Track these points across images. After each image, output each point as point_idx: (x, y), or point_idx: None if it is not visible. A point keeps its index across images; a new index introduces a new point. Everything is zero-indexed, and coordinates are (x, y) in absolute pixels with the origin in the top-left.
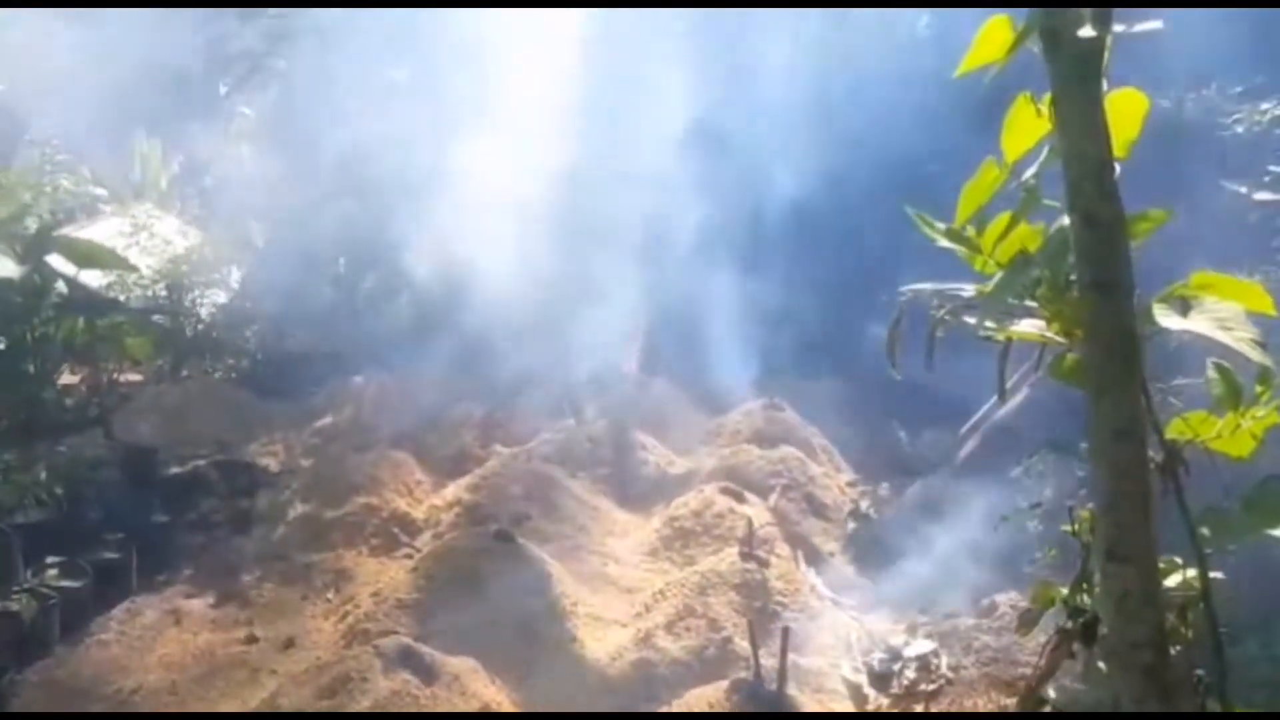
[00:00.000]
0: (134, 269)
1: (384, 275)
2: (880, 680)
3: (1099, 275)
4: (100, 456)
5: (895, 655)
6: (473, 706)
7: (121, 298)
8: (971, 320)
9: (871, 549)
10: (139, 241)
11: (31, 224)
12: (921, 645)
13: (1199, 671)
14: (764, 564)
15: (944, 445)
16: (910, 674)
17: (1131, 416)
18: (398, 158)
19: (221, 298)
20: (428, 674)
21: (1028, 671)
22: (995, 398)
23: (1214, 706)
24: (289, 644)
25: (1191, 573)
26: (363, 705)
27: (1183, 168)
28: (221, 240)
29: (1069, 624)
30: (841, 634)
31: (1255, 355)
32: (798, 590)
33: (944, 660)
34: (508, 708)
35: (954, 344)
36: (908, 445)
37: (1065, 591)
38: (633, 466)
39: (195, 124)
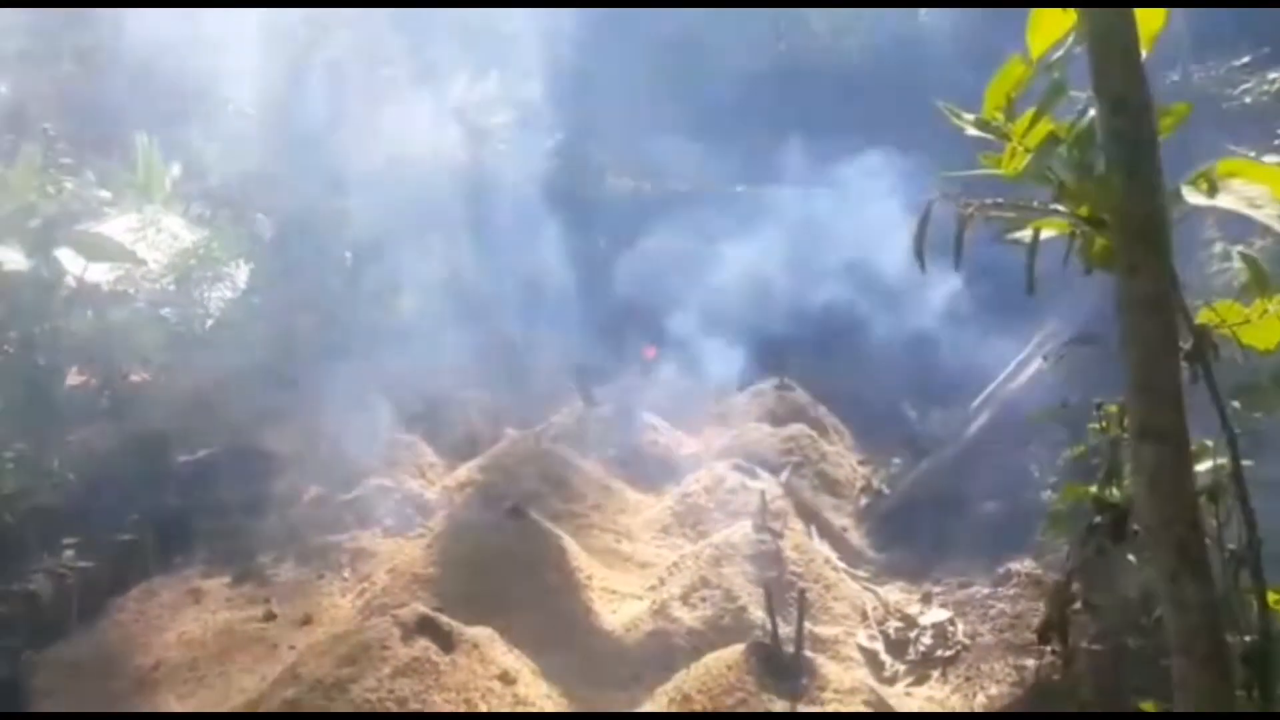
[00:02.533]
0: (142, 263)
1: (391, 266)
2: (897, 647)
3: (1127, 156)
4: (113, 445)
5: (911, 623)
6: (492, 673)
7: (130, 291)
8: (998, 215)
9: (884, 523)
10: (146, 236)
11: (37, 222)
12: (937, 614)
13: (1231, 548)
14: (777, 536)
15: (953, 422)
16: (926, 641)
17: (1161, 293)
18: (399, 150)
19: (229, 292)
20: (446, 641)
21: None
22: (1003, 375)
23: (1246, 582)
24: (307, 620)
25: (1222, 459)
26: (383, 673)
27: (1190, 138)
28: (229, 235)
29: (1098, 519)
30: (857, 604)
31: None
32: (811, 561)
33: (960, 627)
34: (527, 675)
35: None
36: (917, 423)
37: (1094, 490)
38: (643, 447)
39: (197, 124)
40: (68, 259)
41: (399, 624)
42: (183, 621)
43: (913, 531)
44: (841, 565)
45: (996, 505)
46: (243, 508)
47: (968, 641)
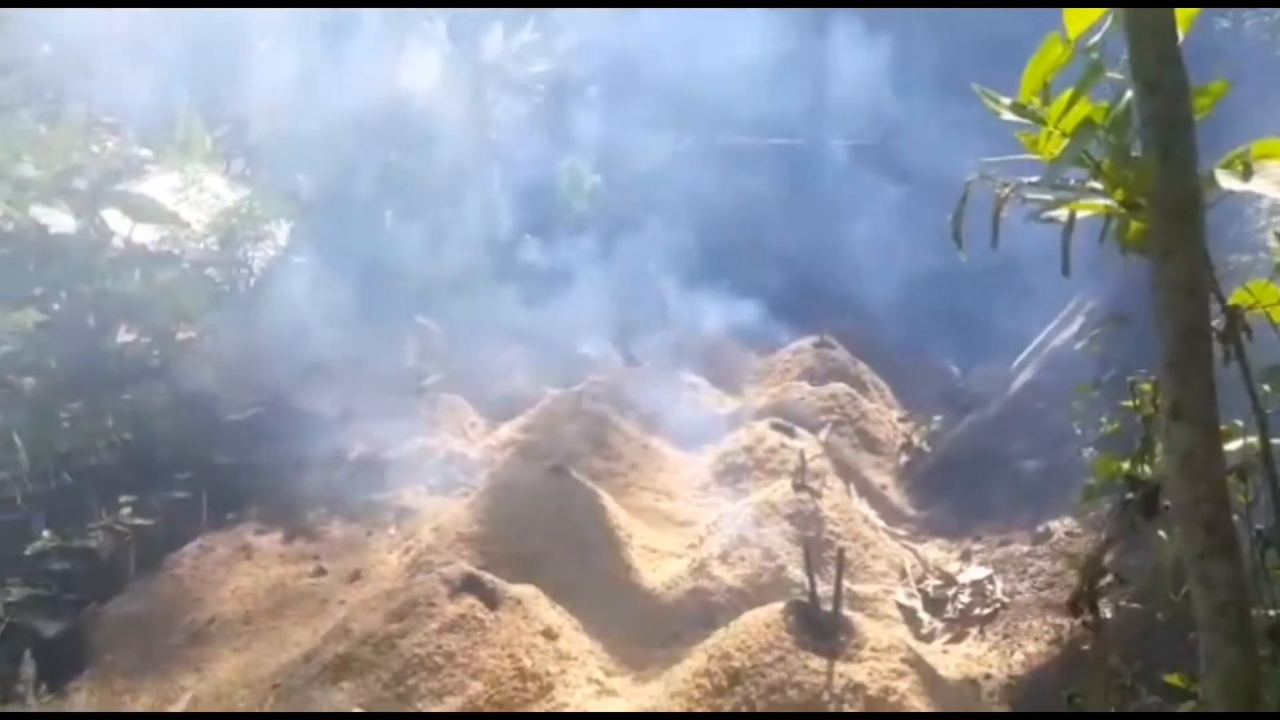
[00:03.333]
0: (185, 225)
1: (430, 224)
2: (935, 605)
3: (1162, 140)
4: (163, 403)
5: (949, 581)
6: (535, 630)
7: (175, 251)
8: (1034, 196)
9: (924, 481)
10: (189, 196)
11: (82, 183)
12: (976, 571)
13: (1259, 527)
14: (816, 495)
15: (996, 379)
16: (965, 598)
17: (1195, 275)
18: (438, 108)
19: (272, 251)
20: (491, 599)
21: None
22: (1045, 332)
23: (1273, 560)
24: (356, 576)
25: (1252, 438)
26: (430, 629)
27: (1241, 88)
28: (270, 194)
29: (1130, 495)
30: (895, 562)
31: None
32: (851, 520)
33: (999, 585)
34: (569, 631)
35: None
36: (959, 379)
37: (1127, 465)
38: (683, 405)
39: (238, 84)
40: (114, 219)
41: (445, 581)
42: (236, 577)
43: (953, 489)
44: (880, 523)
45: (1037, 463)
46: (291, 466)
47: (1006, 599)
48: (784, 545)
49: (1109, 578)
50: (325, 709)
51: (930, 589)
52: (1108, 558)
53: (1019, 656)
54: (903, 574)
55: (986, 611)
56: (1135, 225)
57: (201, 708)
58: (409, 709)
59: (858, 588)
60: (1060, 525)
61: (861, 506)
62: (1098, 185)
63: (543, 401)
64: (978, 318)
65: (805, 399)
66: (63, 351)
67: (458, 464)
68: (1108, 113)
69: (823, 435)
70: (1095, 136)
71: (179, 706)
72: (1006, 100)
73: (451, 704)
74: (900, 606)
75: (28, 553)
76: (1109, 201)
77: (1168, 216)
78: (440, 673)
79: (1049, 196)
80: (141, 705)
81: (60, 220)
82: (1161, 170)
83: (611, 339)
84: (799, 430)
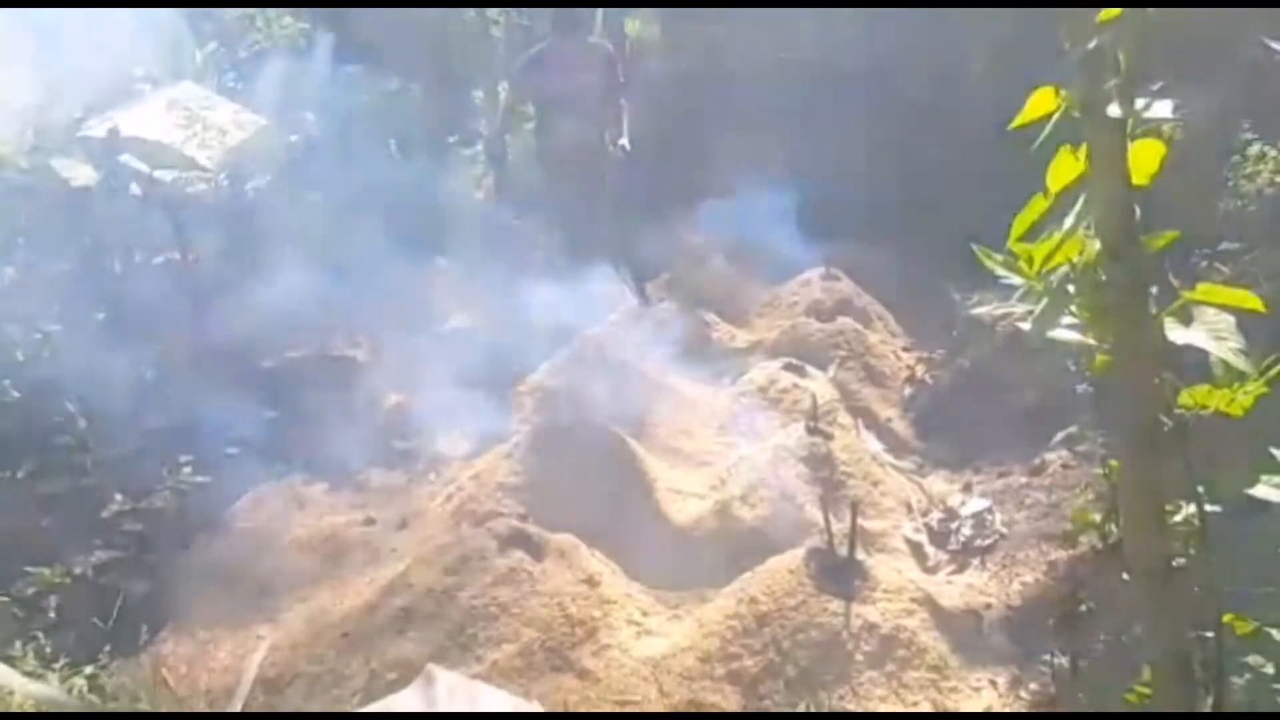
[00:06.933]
0: (203, 169)
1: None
2: (939, 538)
3: (1120, 297)
4: (196, 350)
5: (952, 514)
6: (579, 578)
7: (189, 191)
8: (1024, 325)
9: (928, 413)
10: (196, 134)
11: (100, 133)
12: (977, 503)
13: (1196, 589)
14: (828, 437)
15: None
16: (967, 531)
17: (1146, 402)
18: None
19: (277, 184)
20: (537, 551)
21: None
22: None
23: (1208, 611)
24: (404, 524)
25: (1192, 508)
26: (485, 581)
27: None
28: (275, 127)
29: (1100, 544)
30: (902, 497)
31: (1239, 363)
32: (860, 460)
33: (997, 517)
34: (608, 576)
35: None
36: (961, 306)
37: (1098, 518)
38: (697, 343)
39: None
40: (133, 162)
41: (494, 536)
42: (292, 528)
43: (955, 421)
44: (888, 458)
45: (1033, 395)
46: (328, 414)
47: (1004, 530)
48: (800, 486)
49: (1083, 607)
50: (396, 657)
51: (935, 522)
52: (1081, 593)
53: (1016, 586)
54: (909, 509)
55: (986, 543)
56: (1101, 356)
57: (279, 656)
58: (471, 656)
59: (868, 524)
60: (1055, 457)
61: (870, 442)
62: (1074, 322)
63: (564, 346)
64: (981, 241)
65: (814, 335)
66: (91, 304)
67: (487, 410)
68: (1084, 243)
69: (831, 372)
70: (1069, 296)
71: (258, 655)
72: (999, 256)
73: (509, 650)
74: (907, 541)
75: (104, 515)
76: (1081, 337)
77: (1125, 356)
78: (497, 622)
79: (1037, 331)
80: (224, 654)
81: (81, 172)
82: (1118, 321)
83: (624, 276)
84: (810, 369)
